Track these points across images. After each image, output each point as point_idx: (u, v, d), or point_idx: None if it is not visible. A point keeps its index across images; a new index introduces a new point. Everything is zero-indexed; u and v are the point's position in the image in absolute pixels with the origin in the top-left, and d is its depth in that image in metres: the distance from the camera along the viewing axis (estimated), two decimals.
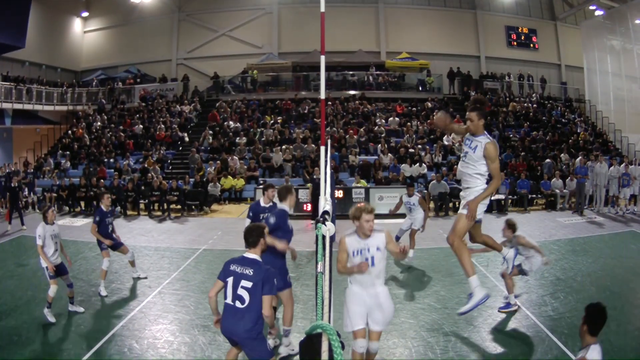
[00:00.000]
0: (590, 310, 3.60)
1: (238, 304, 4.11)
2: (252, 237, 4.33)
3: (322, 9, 5.18)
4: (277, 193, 6.08)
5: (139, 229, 13.00)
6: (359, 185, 15.42)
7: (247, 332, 4.10)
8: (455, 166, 16.99)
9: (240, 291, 4.11)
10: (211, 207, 15.84)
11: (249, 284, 4.10)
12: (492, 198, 15.15)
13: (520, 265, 6.79)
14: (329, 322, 2.17)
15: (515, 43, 28.04)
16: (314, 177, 14.73)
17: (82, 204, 15.95)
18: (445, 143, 19.44)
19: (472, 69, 26.31)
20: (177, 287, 8.00)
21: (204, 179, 16.84)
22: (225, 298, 4.19)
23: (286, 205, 5.79)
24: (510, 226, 6.76)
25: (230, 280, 4.17)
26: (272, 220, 5.59)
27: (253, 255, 4.30)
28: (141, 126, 21.65)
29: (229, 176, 17.31)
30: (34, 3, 22.45)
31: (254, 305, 4.09)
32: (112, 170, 18.03)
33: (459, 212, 4.68)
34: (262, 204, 6.53)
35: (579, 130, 21.41)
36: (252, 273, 4.14)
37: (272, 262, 5.05)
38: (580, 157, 16.53)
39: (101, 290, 7.71)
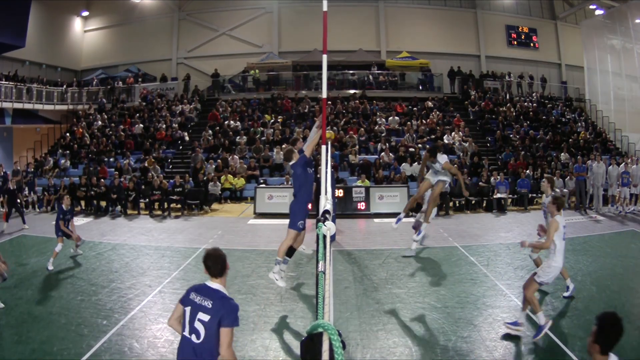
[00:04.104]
0: (603, 321, 2.77)
1: (194, 338, 3.56)
2: (215, 264, 3.69)
3: (325, 8, 5.17)
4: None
5: (139, 228, 13.01)
6: (359, 184, 15.42)
7: None
8: (456, 165, 17.03)
9: (197, 324, 3.55)
10: (211, 207, 15.85)
11: (206, 317, 3.54)
12: (493, 197, 15.24)
13: None
14: (330, 321, 2.17)
15: (515, 42, 28.05)
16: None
17: (82, 203, 15.95)
18: (446, 142, 19.44)
19: (473, 68, 26.32)
20: (178, 286, 7.99)
21: (205, 178, 16.84)
22: (183, 329, 3.63)
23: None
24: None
25: (188, 310, 3.62)
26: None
27: (216, 285, 3.68)
28: (141, 125, 21.65)
29: (229, 175, 17.31)
30: (34, 2, 22.46)
31: (209, 342, 3.51)
32: (113, 169, 18.04)
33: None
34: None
35: (579, 130, 21.41)
36: (210, 306, 3.56)
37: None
38: (579, 157, 16.57)
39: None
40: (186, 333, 3.60)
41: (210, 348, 3.50)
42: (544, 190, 8.01)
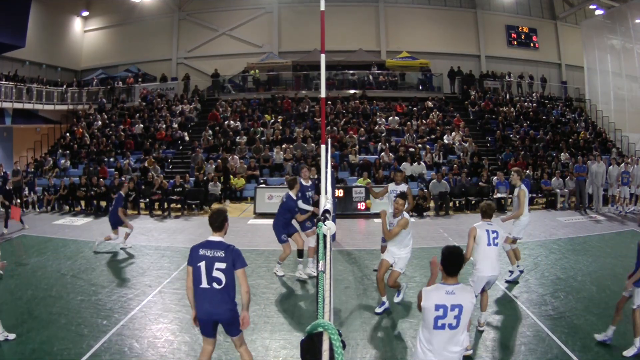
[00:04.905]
0: (444, 251, 3.78)
1: (215, 286, 4.27)
2: (217, 221, 4.49)
3: (322, 8, 5.18)
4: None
5: (140, 228, 12.98)
6: (359, 184, 15.40)
7: (230, 311, 4.36)
8: (456, 165, 17.04)
9: (216, 273, 4.26)
10: (211, 207, 15.84)
11: (222, 265, 4.26)
12: (493, 197, 15.26)
13: None
14: (330, 321, 2.17)
15: (515, 42, 28.06)
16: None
17: (82, 203, 15.95)
18: (446, 142, 19.44)
19: (473, 68, 26.31)
20: (178, 286, 7.99)
21: (205, 178, 16.83)
22: (199, 283, 4.29)
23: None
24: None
25: (202, 264, 4.28)
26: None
27: (218, 237, 4.44)
28: (141, 125, 21.65)
29: (229, 175, 17.29)
30: (34, 2, 22.46)
31: (228, 284, 4.30)
32: (113, 169, 18.05)
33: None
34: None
35: (579, 130, 21.41)
36: (223, 255, 4.29)
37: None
38: (579, 157, 16.60)
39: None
40: (204, 285, 4.28)
41: (229, 288, 4.31)
42: (514, 183, 8.22)
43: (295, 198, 8.15)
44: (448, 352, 3.60)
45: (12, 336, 5.87)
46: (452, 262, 3.70)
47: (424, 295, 3.67)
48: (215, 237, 4.45)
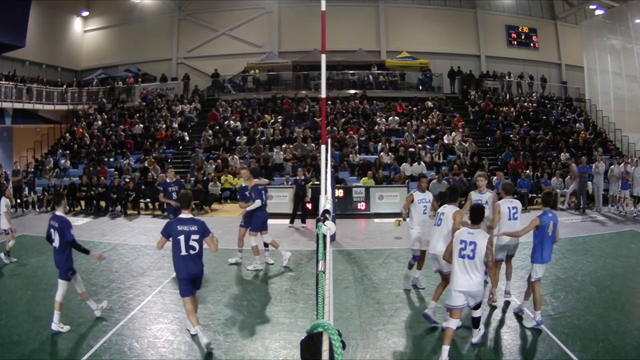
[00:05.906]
0: (471, 207, 5.58)
1: (192, 252, 5.61)
2: (186, 201, 5.80)
3: (323, 8, 5.20)
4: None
5: (140, 229, 13.01)
6: (359, 184, 15.40)
7: (202, 269, 5.82)
8: (456, 165, 17.04)
9: (192, 243, 5.60)
10: (211, 207, 15.85)
11: (197, 236, 5.62)
12: None
13: None
14: (330, 321, 2.17)
15: (515, 42, 28.07)
16: (297, 178, 13.69)
17: (82, 203, 15.95)
18: (446, 142, 19.44)
19: (473, 68, 26.32)
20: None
21: (205, 178, 16.83)
22: (180, 252, 5.58)
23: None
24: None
25: (182, 237, 5.56)
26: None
27: (188, 214, 5.75)
28: (141, 125, 21.65)
29: (229, 175, 17.30)
30: (34, 2, 22.47)
31: (201, 250, 5.71)
32: (113, 169, 18.04)
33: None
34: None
35: (579, 130, 21.41)
36: (196, 228, 5.63)
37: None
38: (583, 157, 16.55)
39: None
40: (184, 253, 5.60)
41: (200, 253, 5.73)
42: (481, 189, 7.54)
43: (243, 185, 9.16)
44: (468, 276, 5.32)
45: (66, 328, 6.23)
46: (475, 214, 5.45)
47: (456, 234, 5.51)
48: (186, 215, 5.73)
